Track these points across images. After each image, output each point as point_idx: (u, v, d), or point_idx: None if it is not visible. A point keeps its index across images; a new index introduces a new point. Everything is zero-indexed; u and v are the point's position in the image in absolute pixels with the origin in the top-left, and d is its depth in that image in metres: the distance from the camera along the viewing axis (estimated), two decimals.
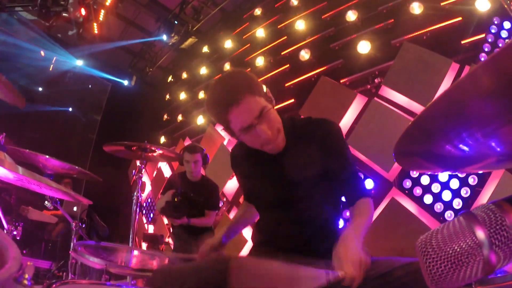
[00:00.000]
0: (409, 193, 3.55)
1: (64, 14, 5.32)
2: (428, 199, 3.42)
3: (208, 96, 1.31)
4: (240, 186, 1.79)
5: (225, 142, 5.75)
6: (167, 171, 7.04)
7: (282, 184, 1.45)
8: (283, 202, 1.46)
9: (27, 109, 7.26)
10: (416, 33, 4.08)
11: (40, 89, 7.83)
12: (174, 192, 3.15)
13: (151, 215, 7.09)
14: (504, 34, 3.53)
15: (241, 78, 1.27)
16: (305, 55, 5.10)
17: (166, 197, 3.18)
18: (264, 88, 1.31)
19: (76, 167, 2.43)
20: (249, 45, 6.43)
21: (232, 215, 5.11)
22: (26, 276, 0.73)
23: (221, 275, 1.20)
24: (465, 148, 0.73)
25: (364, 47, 4.38)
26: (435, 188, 3.41)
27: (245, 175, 1.63)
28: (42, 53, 7.25)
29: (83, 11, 6.09)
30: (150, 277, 1.22)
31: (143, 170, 2.49)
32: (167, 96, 8.60)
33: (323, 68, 4.94)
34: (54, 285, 1.18)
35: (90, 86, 8.66)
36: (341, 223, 1.62)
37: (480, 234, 0.63)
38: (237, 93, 1.21)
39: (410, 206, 3.44)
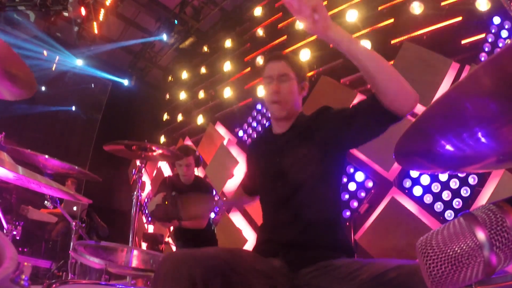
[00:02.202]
0: (409, 193, 3.55)
1: (64, 14, 5.31)
2: (428, 199, 3.42)
3: None
4: (248, 177, 1.95)
5: (225, 142, 5.75)
6: (167, 171, 7.05)
7: (280, 162, 1.56)
8: (281, 180, 1.52)
9: (27, 109, 7.26)
10: (416, 33, 4.08)
11: (41, 89, 7.82)
12: (165, 195, 3.13)
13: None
14: (504, 34, 3.52)
15: (292, 56, 1.72)
16: (305, 55, 5.10)
17: (157, 199, 3.17)
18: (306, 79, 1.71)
19: (76, 167, 2.43)
20: (249, 44, 6.43)
21: (232, 215, 5.11)
22: (23, 276, 0.72)
23: (227, 265, 1.21)
24: (465, 148, 0.73)
25: None
26: (435, 188, 3.41)
27: (255, 161, 1.78)
28: (45, 53, 7.25)
29: (83, 11, 6.09)
30: (161, 260, 1.23)
31: (143, 169, 2.48)
32: (167, 96, 8.60)
33: (323, 68, 4.93)
34: (54, 285, 1.18)
35: (90, 86, 8.66)
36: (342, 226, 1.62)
37: (481, 235, 0.63)
38: (280, 56, 1.67)
39: (410, 205, 3.44)
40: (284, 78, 1.61)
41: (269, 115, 1.73)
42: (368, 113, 1.35)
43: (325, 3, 5.21)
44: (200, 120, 6.85)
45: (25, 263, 0.75)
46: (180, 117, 7.67)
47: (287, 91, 1.60)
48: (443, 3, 3.95)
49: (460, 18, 3.80)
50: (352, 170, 4.01)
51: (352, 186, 3.94)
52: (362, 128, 1.40)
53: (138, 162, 2.45)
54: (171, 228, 5.76)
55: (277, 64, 1.64)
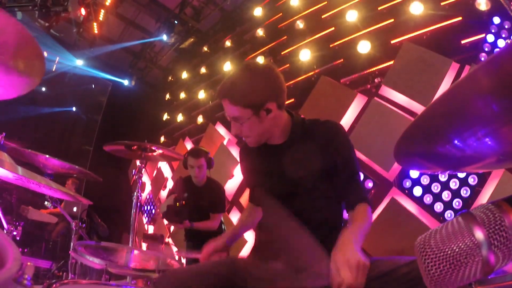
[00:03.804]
0: (409, 193, 3.55)
1: (64, 14, 5.31)
2: (428, 199, 3.42)
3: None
4: (246, 184, 1.83)
5: (225, 142, 5.75)
6: (167, 171, 7.04)
7: (283, 176, 1.50)
8: (283, 194, 1.49)
9: (27, 109, 7.25)
10: (416, 33, 4.08)
11: (41, 89, 7.83)
12: (176, 196, 3.15)
13: (151, 214, 7.09)
14: (504, 34, 3.53)
15: (234, 87, 1.43)
16: (305, 55, 5.10)
17: (169, 201, 3.18)
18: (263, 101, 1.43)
19: (76, 167, 2.43)
20: (249, 45, 6.43)
21: (232, 215, 5.11)
22: (26, 276, 0.73)
23: (225, 279, 1.21)
24: (465, 148, 0.73)
25: (364, 47, 4.38)
26: (435, 188, 3.40)
27: (250, 168, 1.70)
28: (45, 53, 7.25)
29: (83, 11, 6.09)
30: (156, 278, 1.23)
31: (143, 170, 2.48)
32: (167, 96, 8.60)
33: (323, 68, 4.93)
34: (54, 285, 1.18)
35: (90, 86, 8.66)
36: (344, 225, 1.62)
37: (479, 234, 0.63)
38: (221, 94, 1.44)
39: (410, 206, 3.44)
40: (236, 119, 1.45)
41: None
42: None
43: (325, 3, 5.22)
44: (200, 120, 6.85)
45: (28, 263, 0.75)
46: (180, 117, 7.67)
47: (247, 130, 1.47)
48: (442, 3, 3.95)
49: (460, 18, 3.80)
50: None
51: None
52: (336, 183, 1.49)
53: (138, 163, 2.45)
54: (172, 229, 5.74)
55: (224, 103, 1.45)
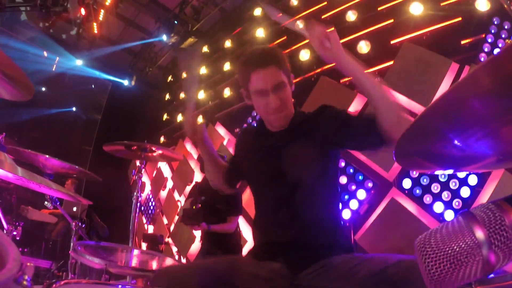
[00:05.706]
0: (408, 193, 3.55)
1: (63, 14, 5.31)
2: (428, 199, 3.42)
3: (244, 54, 1.53)
4: (233, 164, 1.78)
5: (224, 142, 5.75)
6: (167, 171, 7.04)
7: (279, 160, 1.47)
8: (279, 179, 1.47)
9: (27, 110, 7.25)
10: (416, 33, 4.08)
11: (41, 89, 7.83)
12: (192, 200, 3.19)
13: (151, 215, 7.09)
14: (503, 34, 3.53)
15: (277, 53, 1.45)
16: (305, 55, 5.10)
17: (186, 205, 3.24)
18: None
19: (76, 167, 2.43)
20: (249, 45, 6.43)
21: None
22: (26, 277, 0.73)
23: (222, 277, 1.20)
24: (465, 148, 0.73)
25: (363, 47, 4.38)
26: (435, 188, 3.41)
27: (247, 153, 1.65)
28: (45, 53, 7.26)
29: (82, 11, 6.09)
30: (153, 276, 1.23)
31: (143, 170, 2.49)
32: (167, 96, 8.60)
33: (323, 68, 4.94)
34: (54, 285, 1.18)
35: (90, 86, 8.65)
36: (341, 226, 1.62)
37: (480, 234, 0.63)
38: (267, 60, 1.39)
39: (409, 206, 3.44)
40: (280, 86, 1.40)
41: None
42: (365, 129, 1.35)
43: (324, 3, 5.23)
44: (200, 120, 6.85)
45: (28, 264, 0.76)
46: (180, 117, 7.67)
47: (286, 99, 1.43)
48: (442, 4, 3.96)
49: (459, 19, 3.81)
50: (352, 171, 4.01)
51: (352, 187, 3.94)
52: (357, 140, 1.42)
53: (138, 163, 2.45)
54: (171, 228, 5.74)
55: (268, 72, 1.38)
